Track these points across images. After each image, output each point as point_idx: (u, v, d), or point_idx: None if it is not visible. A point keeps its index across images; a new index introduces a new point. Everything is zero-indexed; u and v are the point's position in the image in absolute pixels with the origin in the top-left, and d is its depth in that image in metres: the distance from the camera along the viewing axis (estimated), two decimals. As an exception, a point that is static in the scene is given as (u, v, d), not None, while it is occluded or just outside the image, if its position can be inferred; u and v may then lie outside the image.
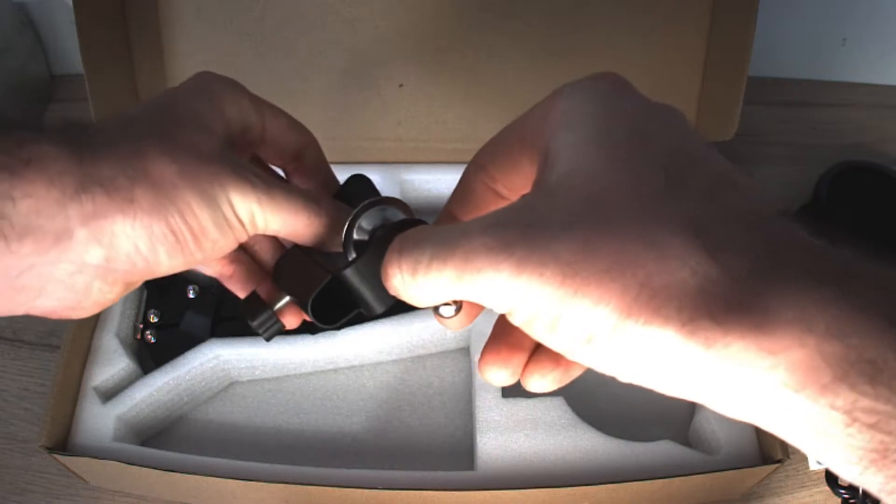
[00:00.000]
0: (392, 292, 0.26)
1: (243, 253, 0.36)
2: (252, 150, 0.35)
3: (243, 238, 0.31)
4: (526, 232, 0.22)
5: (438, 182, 0.64)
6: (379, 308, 0.31)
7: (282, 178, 0.37)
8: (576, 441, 0.50)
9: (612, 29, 0.59)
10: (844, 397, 0.19)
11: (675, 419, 0.54)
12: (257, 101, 0.33)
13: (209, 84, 0.32)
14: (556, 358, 0.27)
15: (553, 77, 0.61)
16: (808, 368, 0.19)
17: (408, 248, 0.24)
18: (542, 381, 0.27)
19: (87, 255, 0.27)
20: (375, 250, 0.29)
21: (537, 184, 0.25)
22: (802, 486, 0.53)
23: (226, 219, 0.29)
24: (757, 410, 0.21)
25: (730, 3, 0.58)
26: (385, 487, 0.46)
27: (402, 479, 0.47)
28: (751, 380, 0.20)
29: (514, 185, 0.29)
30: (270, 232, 0.31)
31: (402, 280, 0.25)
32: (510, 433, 0.50)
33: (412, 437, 0.54)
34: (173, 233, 0.28)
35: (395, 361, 0.58)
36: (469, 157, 0.67)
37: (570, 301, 0.21)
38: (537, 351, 0.28)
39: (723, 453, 0.49)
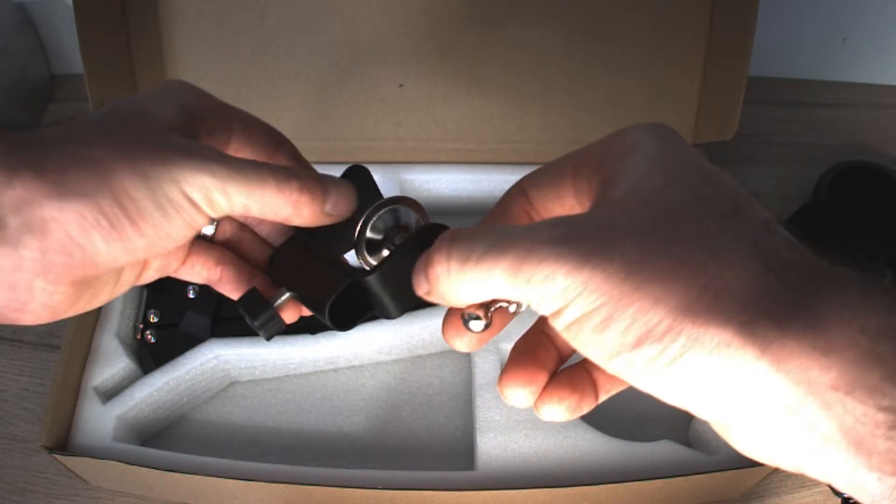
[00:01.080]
0: (425, 287, 0.25)
1: (228, 253, 0.34)
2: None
3: (201, 221, 0.29)
4: (594, 231, 0.22)
5: (438, 182, 0.64)
6: (396, 313, 0.30)
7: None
8: (576, 441, 0.50)
9: (612, 29, 0.59)
10: (892, 396, 0.20)
11: (675, 419, 0.54)
12: (221, 102, 0.32)
13: (172, 86, 0.31)
14: (573, 384, 0.27)
15: (553, 76, 0.61)
16: (859, 367, 0.20)
17: (461, 239, 0.24)
18: (557, 407, 0.27)
19: (21, 245, 0.26)
20: (400, 256, 0.29)
21: (601, 199, 0.25)
22: (802, 486, 0.53)
23: (169, 199, 0.27)
24: (794, 434, 0.21)
25: (730, 3, 0.58)
26: (385, 487, 0.46)
27: (402, 479, 0.47)
28: (801, 387, 0.20)
29: (552, 214, 0.29)
30: (239, 211, 0.29)
31: (448, 270, 0.24)
32: (510, 433, 0.50)
33: (412, 437, 0.54)
34: (106, 217, 0.26)
35: (395, 361, 0.58)
36: (468, 157, 0.68)
37: (630, 297, 0.21)
38: (556, 377, 0.28)
39: (723, 453, 0.49)
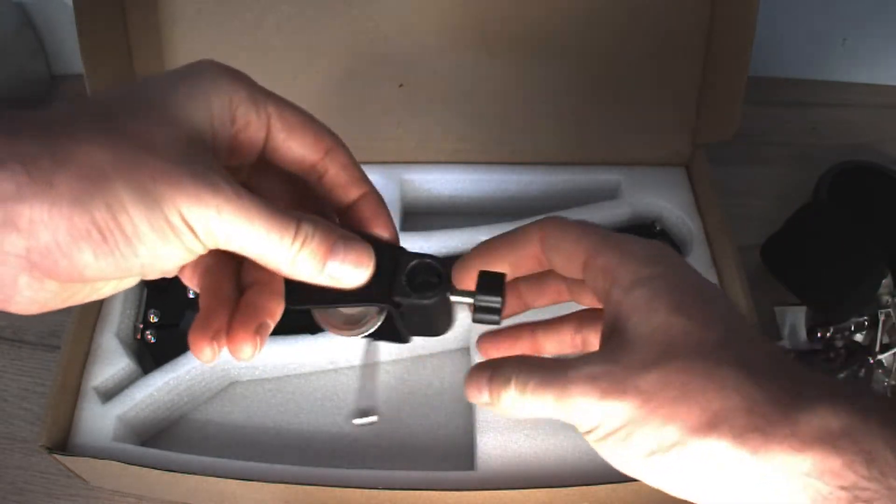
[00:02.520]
0: (485, 400, 0.30)
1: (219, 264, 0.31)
2: (252, 153, 0.31)
3: (199, 250, 0.27)
4: (610, 370, 0.28)
5: (438, 182, 0.64)
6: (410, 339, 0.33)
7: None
8: (576, 441, 0.50)
9: (612, 30, 0.59)
10: (849, 479, 0.25)
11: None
12: (260, 96, 0.30)
13: (201, 70, 0.29)
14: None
15: (553, 76, 0.61)
16: (826, 459, 0.26)
17: (524, 372, 0.29)
18: None
19: (6, 241, 0.24)
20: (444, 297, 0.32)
21: (616, 337, 0.29)
22: (802, 486, 0.52)
23: (168, 222, 0.25)
24: None
25: (730, 3, 0.58)
26: (385, 487, 0.46)
27: (402, 479, 0.47)
28: (783, 475, 0.26)
29: (556, 266, 0.33)
30: (233, 248, 0.27)
31: (511, 396, 0.30)
32: (510, 433, 0.50)
33: (412, 437, 0.54)
34: (99, 230, 0.25)
35: (395, 361, 0.58)
36: (468, 157, 0.68)
37: (644, 420, 0.27)
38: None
39: (723, 453, 0.49)
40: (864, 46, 0.76)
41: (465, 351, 0.58)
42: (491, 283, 0.31)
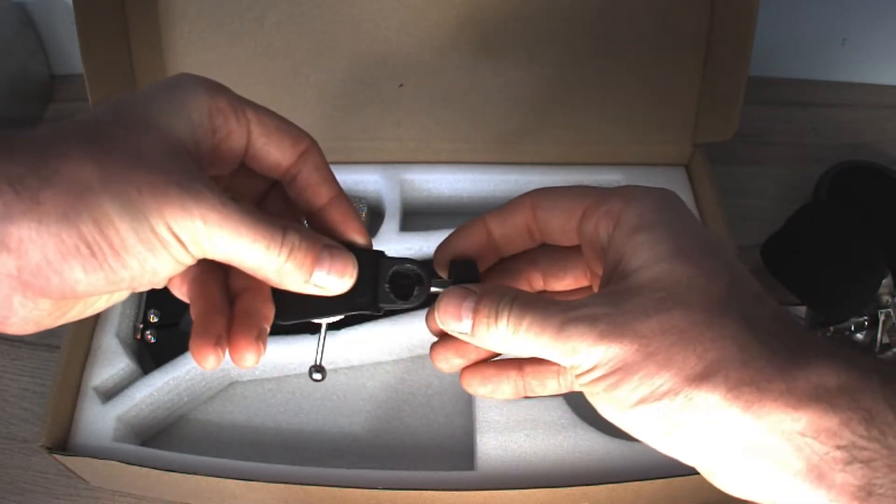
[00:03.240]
0: (476, 332, 0.29)
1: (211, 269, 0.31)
2: (234, 162, 0.31)
3: (187, 261, 0.27)
4: (610, 313, 0.27)
5: (438, 182, 0.64)
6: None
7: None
8: (576, 441, 0.50)
9: (612, 29, 0.59)
10: (847, 438, 0.25)
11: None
12: (238, 104, 0.30)
13: (180, 82, 0.29)
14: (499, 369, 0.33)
15: (552, 76, 0.61)
16: (822, 418, 0.25)
17: (518, 308, 0.28)
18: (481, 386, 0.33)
19: None
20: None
21: (616, 278, 0.29)
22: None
23: (156, 234, 0.26)
24: (770, 471, 0.26)
25: (730, 3, 0.58)
26: (385, 487, 0.46)
27: (402, 479, 0.47)
28: (776, 436, 0.25)
29: (551, 236, 0.33)
30: (220, 258, 0.27)
31: (502, 333, 0.28)
32: (510, 433, 0.50)
33: (412, 437, 0.54)
34: (87, 245, 0.25)
35: (395, 361, 0.58)
36: (468, 157, 0.68)
37: (638, 365, 0.26)
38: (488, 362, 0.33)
39: (723, 453, 0.49)
40: (864, 46, 0.76)
41: (465, 351, 0.58)
42: (465, 269, 0.32)
